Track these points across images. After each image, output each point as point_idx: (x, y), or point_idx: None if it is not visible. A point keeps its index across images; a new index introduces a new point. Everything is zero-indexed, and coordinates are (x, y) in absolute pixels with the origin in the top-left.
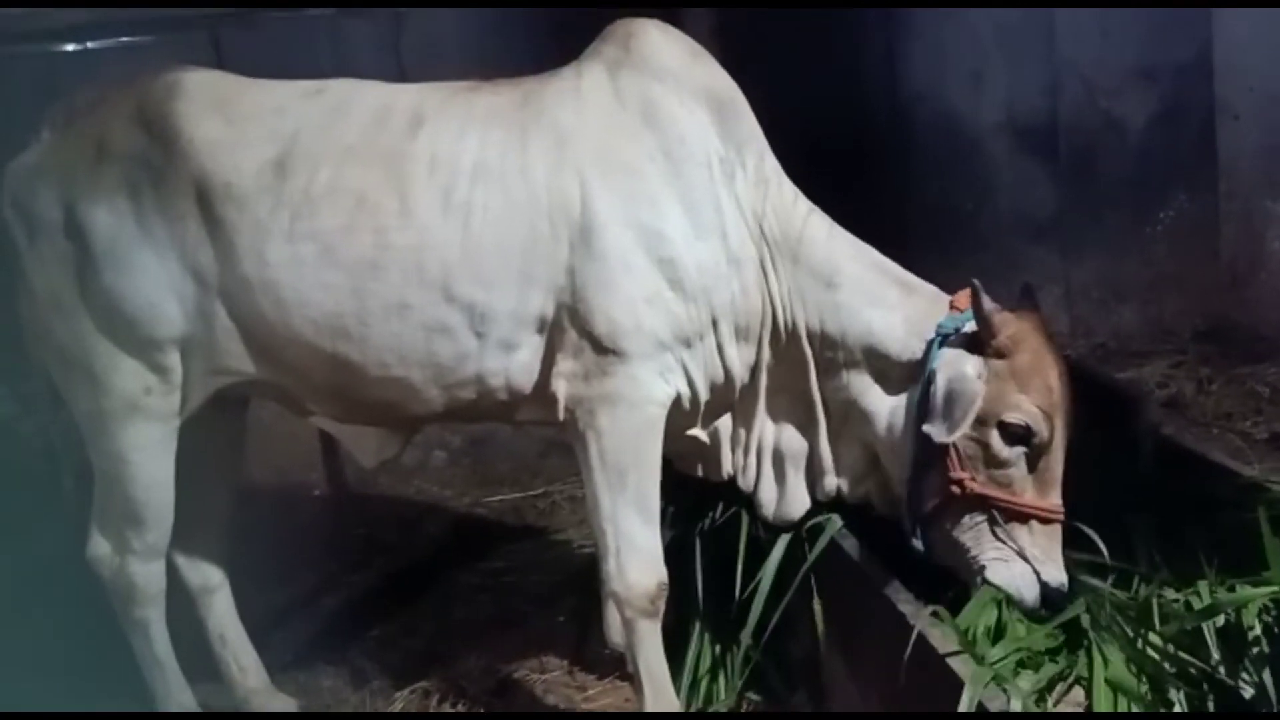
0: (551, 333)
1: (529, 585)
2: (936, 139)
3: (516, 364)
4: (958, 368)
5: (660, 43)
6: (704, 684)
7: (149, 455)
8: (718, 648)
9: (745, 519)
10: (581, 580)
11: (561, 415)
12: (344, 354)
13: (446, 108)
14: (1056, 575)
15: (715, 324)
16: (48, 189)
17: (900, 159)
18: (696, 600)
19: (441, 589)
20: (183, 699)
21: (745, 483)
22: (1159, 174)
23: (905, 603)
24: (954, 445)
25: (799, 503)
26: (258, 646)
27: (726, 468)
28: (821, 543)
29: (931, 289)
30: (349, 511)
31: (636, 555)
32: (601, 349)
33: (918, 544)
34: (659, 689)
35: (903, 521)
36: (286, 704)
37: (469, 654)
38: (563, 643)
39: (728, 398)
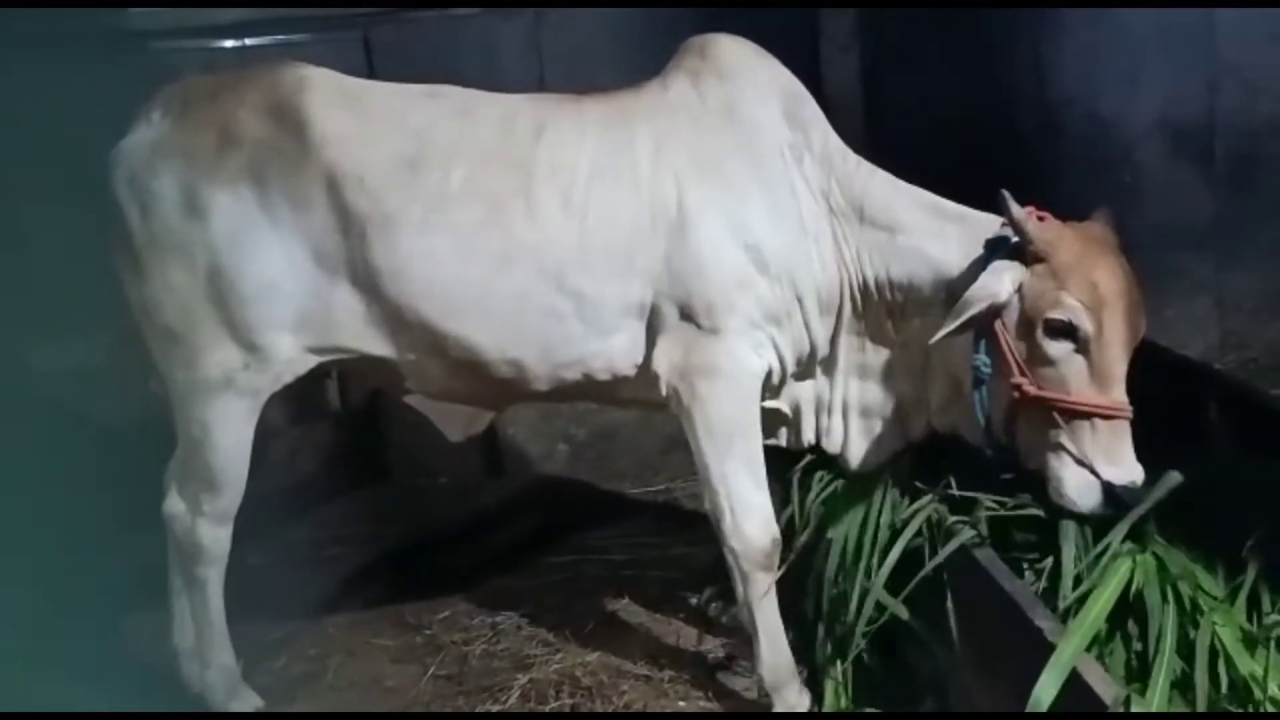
0: (652, 317)
1: (648, 581)
2: (1085, 142)
3: (616, 348)
4: (985, 277)
5: (731, 49)
6: (825, 693)
7: (232, 427)
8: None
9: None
10: (700, 579)
11: (664, 391)
12: (467, 335)
13: (562, 114)
14: (1122, 474)
15: (800, 301)
16: (167, 169)
17: (1047, 162)
18: (821, 606)
19: (561, 582)
20: (225, 659)
21: (831, 444)
22: None
23: (1044, 618)
24: (1012, 351)
25: (882, 452)
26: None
27: (808, 435)
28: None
29: (986, 215)
30: (471, 501)
31: (751, 513)
32: (700, 327)
33: (989, 452)
34: (774, 642)
35: (977, 433)
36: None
37: (586, 647)
38: (679, 641)
39: (811, 369)
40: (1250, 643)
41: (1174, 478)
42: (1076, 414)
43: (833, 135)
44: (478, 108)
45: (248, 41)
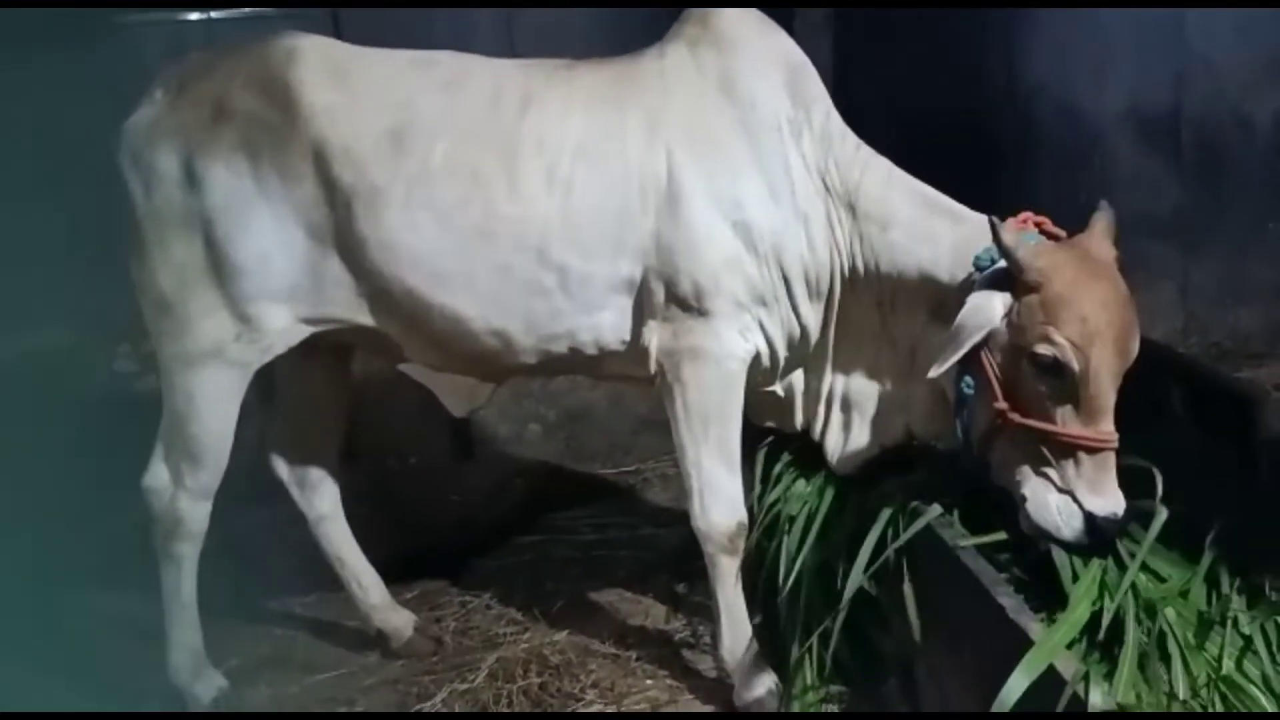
0: (640, 294)
1: (618, 561)
2: (1056, 131)
3: (603, 323)
4: (976, 304)
5: (734, 18)
6: (795, 674)
7: (219, 400)
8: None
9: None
10: (669, 559)
11: (652, 368)
12: (452, 306)
13: (551, 88)
14: (1104, 505)
15: (788, 283)
16: (166, 145)
17: (1018, 151)
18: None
19: (530, 562)
20: (192, 640)
21: (815, 432)
22: None
23: (1005, 596)
24: (997, 376)
25: (863, 449)
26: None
27: (798, 419)
28: (909, 528)
29: (981, 217)
30: (442, 481)
31: (718, 498)
32: (687, 308)
33: (969, 470)
34: (736, 624)
35: (959, 448)
36: (407, 620)
37: (554, 626)
38: (647, 620)
39: (803, 353)
40: (1207, 625)
41: (1162, 512)
42: (1063, 445)
43: (834, 114)
44: (466, 79)
45: (213, 15)
